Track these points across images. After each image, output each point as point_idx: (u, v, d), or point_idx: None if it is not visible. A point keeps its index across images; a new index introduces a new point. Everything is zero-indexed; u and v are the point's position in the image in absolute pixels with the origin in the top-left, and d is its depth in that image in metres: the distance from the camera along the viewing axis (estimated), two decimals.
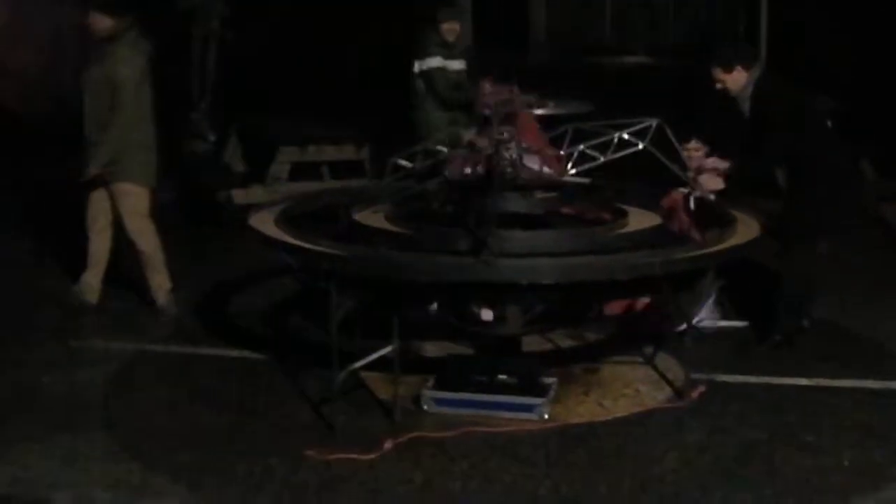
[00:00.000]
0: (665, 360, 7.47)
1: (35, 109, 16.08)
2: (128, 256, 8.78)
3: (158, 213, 8.86)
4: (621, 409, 6.79)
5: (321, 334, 6.93)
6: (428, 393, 6.73)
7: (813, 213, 7.56)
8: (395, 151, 7.01)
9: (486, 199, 6.58)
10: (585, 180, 7.16)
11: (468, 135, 7.35)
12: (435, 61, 10.38)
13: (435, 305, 7.07)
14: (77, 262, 8.97)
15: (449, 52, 10.50)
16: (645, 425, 6.56)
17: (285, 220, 7.09)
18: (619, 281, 6.25)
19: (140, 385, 7.25)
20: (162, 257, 8.65)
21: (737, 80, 7.61)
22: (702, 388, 6.99)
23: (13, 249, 10.61)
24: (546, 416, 6.58)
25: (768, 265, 7.95)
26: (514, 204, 6.86)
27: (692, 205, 7.45)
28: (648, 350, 7.60)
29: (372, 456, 6.09)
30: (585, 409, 6.80)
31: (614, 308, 7.96)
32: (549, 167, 7.16)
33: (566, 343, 7.86)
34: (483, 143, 6.85)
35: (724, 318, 8.20)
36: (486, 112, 6.99)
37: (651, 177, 7.51)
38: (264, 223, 7.07)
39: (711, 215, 7.36)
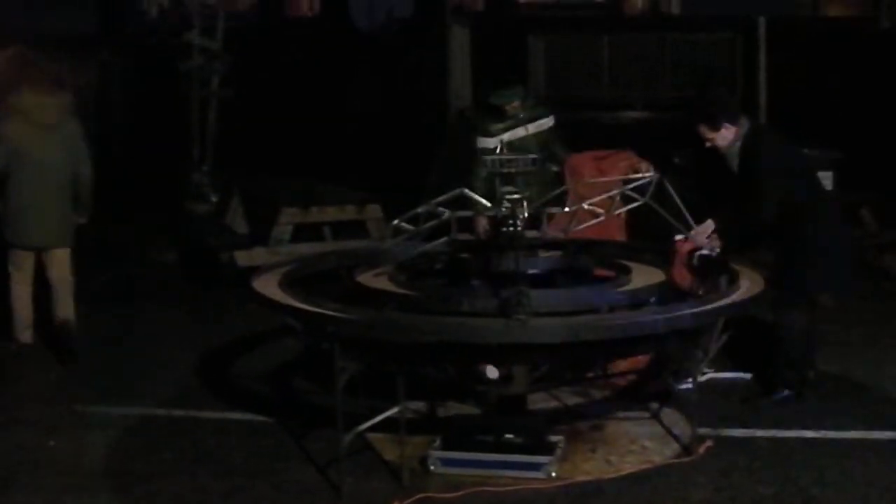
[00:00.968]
0: (671, 416, 7.47)
1: None
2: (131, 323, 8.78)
3: (161, 275, 8.88)
4: (628, 465, 6.77)
5: (326, 396, 6.92)
6: (434, 453, 6.71)
7: (806, 267, 7.59)
8: (400, 211, 7.02)
9: (516, 260, 6.56)
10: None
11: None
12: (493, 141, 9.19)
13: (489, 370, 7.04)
14: (80, 320, 9.01)
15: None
16: (652, 482, 6.54)
17: (288, 283, 7.10)
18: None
19: (144, 449, 7.23)
20: None
21: (724, 136, 7.66)
22: (708, 443, 6.98)
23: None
24: (553, 475, 6.56)
25: (769, 316, 7.95)
26: (523, 264, 6.85)
27: (696, 261, 7.46)
28: (654, 405, 7.59)
29: None
30: (592, 466, 6.78)
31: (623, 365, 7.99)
32: (553, 225, 7.18)
33: (572, 400, 7.85)
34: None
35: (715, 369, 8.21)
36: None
37: (650, 231, 7.54)
38: (267, 285, 7.08)
39: (714, 270, 7.37)
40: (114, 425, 7.63)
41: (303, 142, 16.82)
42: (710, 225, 7.46)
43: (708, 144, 7.71)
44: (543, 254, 7.09)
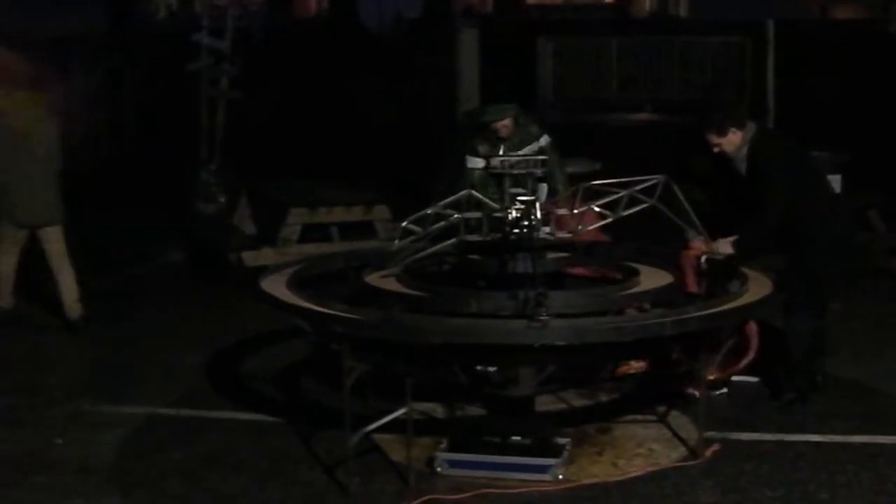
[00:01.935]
0: (678, 419, 7.47)
1: None
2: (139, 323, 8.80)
3: (170, 275, 8.93)
4: (635, 468, 6.77)
5: (333, 397, 6.93)
6: (441, 455, 6.71)
7: (817, 270, 7.59)
8: (409, 212, 7.02)
9: (535, 262, 6.56)
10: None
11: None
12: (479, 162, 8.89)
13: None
14: (87, 325, 9.02)
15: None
16: (659, 485, 6.53)
17: (297, 283, 7.10)
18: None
19: (152, 449, 7.24)
20: None
21: (732, 141, 7.68)
22: (716, 447, 6.97)
23: (20, 311, 10.60)
24: (560, 477, 6.56)
25: (778, 320, 7.95)
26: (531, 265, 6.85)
27: (703, 264, 7.46)
28: (661, 409, 7.59)
29: None
30: (599, 469, 6.78)
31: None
32: (562, 227, 7.18)
33: (579, 402, 7.85)
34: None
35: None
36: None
37: (656, 233, 7.54)
38: (275, 286, 7.09)
39: (723, 274, 7.38)
40: (122, 425, 7.64)
41: (311, 142, 16.83)
42: (728, 242, 7.49)
43: (716, 150, 7.73)
44: (553, 255, 7.07)
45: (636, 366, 8.09)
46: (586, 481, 6.57)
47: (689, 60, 17.16)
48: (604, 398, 7.94)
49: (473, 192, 6.93)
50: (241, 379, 8.77)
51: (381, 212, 12.38)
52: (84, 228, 12.95)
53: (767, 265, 7.44)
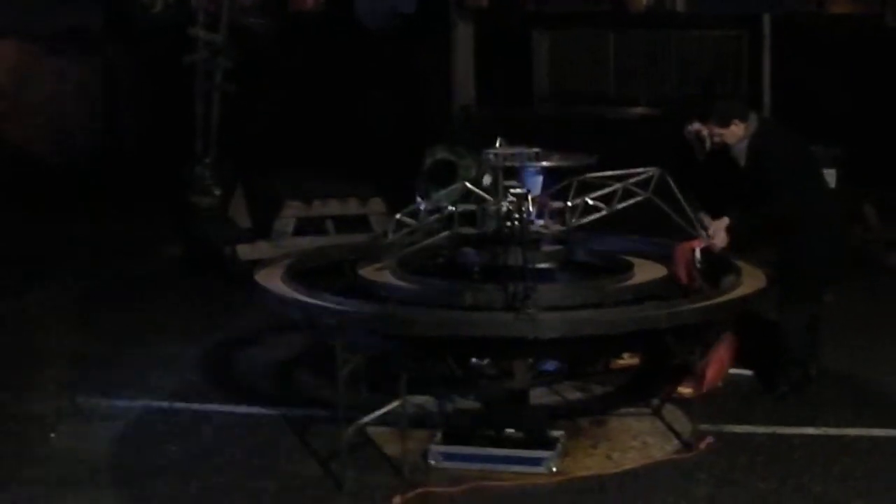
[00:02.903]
0: (672, 412, 7.47)
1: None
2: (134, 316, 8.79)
3: (164, 268, 8.91)
4: (629, 461, 6.77)
5: (328, 390, 6.93)
6: (435, 448, 6.72)
7: (812, 264, 7.60)
8: (403, 206, 7.02)
9: (525, 254, 6.55)
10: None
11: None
12: None
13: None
14: (81, 319, 9.01)
15: None
16: (653, 478, 6.54)
17: (291, 276, 7.10)
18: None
19: (147, 443, 7.23)
20: None
21: (734, 133, 7.70)
22: (709, 440, 6.98)
23: (17, 306, 10.62)
24: (554, 470, 6.57)
25: (772, 313, 7.95)
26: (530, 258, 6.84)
27: (698, 256, 7.45)
28: (655, 402, 7.59)
29: None
30: (593, 461, 6.78)
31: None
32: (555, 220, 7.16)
33: (573, 395, 7.85)
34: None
35: None
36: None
37: (651, 227, 7.54)
38: (270, 279, 7.09)
39: (717, 267, 7.37)
40: (116, 418, 7.63)
41: (306, 136, 16.82)
42: (724, 221, 7.48)
43: (716, 140, 7.74)
44: (547, 248, 7.05)
45: (630, 360, 8.10)
46: (580, 474, 6.57)
47: (685, 55, 17.14)
48: (598, 391, 7.94)
49: (468, 184, 6.91)
50: (236, 372, 8.76)
51: (377, 205, 12.36)
52: (80, 223, 12.99)
53: (760, 259, 7.44)
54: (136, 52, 18.82)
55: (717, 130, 7.72)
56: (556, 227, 6.91)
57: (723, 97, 8.32)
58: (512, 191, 6.66)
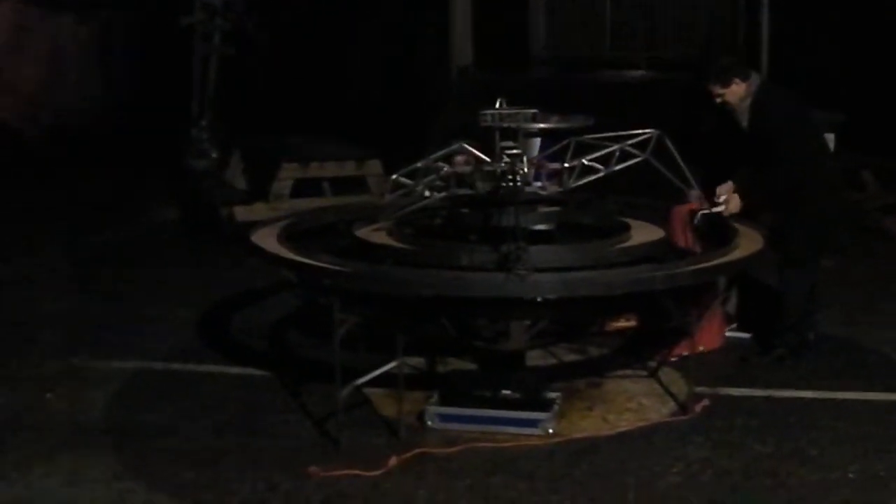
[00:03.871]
0: (668, 374, 7.47)
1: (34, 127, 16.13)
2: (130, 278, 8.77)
3: (161, 230, 8.89)
4: (625, 423, 6.77)
5: (324, 350, 6.92)
6: (432, 409, 6.71)
7: (813, 228, 7.59)
8: (400, 167, 6.98)
9: (518, 215, 6.52)
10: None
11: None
12: None
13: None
14: (78, 282, 8.99)
15: None
16: (649, 440, 6.54)
17: (287, 237, 7.08)
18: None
19: (142, 403, 7.22)
20: None
21: (735, 92, 7.65)
22: (706, 402, 6.98)
23: (13, 269, 10.60)
24: (550, 431, 6.57)
25: (770, 277, 7.95)
26: (525, 219, 6.81)
27: (697, 219, 7.44)
28: (652, 364, 7.59)
29: (376, 473, 6.07)
30: (589, 423, 6.78)
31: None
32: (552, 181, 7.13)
33: (569, 357, 7.84)
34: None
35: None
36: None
37: (647, 189, 7.52)
38: (266, 240, 7.06)
39: (715, 229, 7.36)
40: (112, 379, 7.63)
41: (303, 98, 16.78)
42: (729, 185, 7.46)
43: (718, 100, 7.71)
44: (545, 209, 7.02)
45: (626, 322, 8.09)
46: (576, 436, 6.57)
47: (683, 17, 17.06)
48: (594, 353, 7.94)
49: (465, 145, 6.87)
50: (232, 333, 8.76)
51: (374, 167, 12.36)
52: (76, 185, 12.97)
53: (759, 222, 7.42)
54: (133, 14, 18.77)
55: (719, 90, 7.68)
56: (554, 189, 6.87)
57: (726, 56, 8.31)
58: (507, 152, 6.62)
